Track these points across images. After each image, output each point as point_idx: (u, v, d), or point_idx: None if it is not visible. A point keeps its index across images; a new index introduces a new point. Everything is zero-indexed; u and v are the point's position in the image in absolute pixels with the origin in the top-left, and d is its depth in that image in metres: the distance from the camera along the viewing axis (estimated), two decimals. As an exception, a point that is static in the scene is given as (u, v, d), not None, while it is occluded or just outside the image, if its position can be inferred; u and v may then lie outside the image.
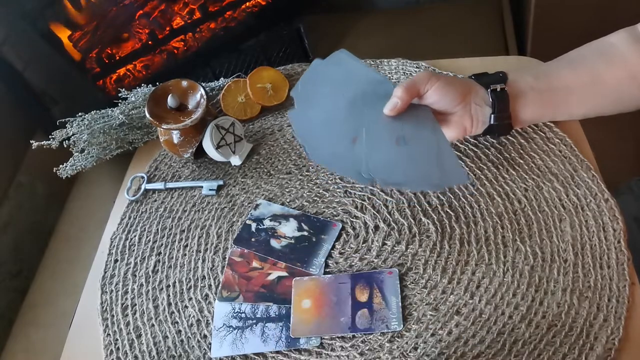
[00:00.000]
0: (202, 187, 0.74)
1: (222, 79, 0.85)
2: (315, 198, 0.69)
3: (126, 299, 0.65)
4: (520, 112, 0.63)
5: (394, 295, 0.58)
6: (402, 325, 0.56)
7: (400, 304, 0.58)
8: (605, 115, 0.66)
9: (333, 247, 0.64)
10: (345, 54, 0.66)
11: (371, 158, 0.59)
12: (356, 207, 0.67)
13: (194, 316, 0.62)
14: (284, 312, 0.59)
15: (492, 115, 0.63)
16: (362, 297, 0.59)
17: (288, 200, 0.70)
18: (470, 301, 0.57)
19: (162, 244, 0.69)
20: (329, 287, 0.60)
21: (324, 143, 0.61)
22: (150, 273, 0.66)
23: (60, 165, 0.77)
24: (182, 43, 1.27)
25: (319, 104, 0.64)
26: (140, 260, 0.68)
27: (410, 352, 0.55)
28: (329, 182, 0.71)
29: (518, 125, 0.65)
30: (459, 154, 0.69)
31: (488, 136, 0.70)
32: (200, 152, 0.74)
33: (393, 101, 0.60)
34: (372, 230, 0.65)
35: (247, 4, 1.30)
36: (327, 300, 0.59)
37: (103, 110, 0.79)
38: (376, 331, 0.56)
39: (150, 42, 1.24)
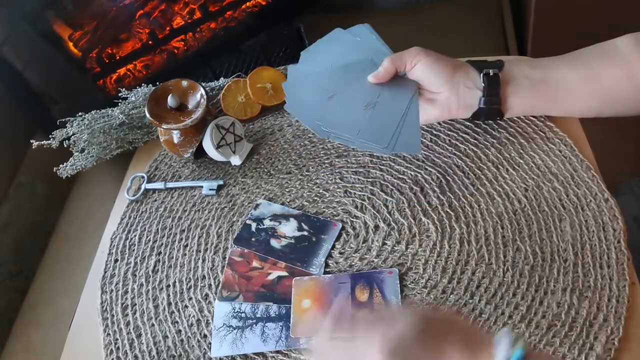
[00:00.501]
0: (202, 186, 0.74)
1: (222, 78, 0.85)
2: (315, 198, 0.69)
3: (126, 298, 0.65)
4: (510, 98, 0.63)
5: (394, 295, 0.58)
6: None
7: (400, 304, 0.58)
8: (603, 116, 0.65)
9: (333, 247, 0.64)
10: (367, 28, 0.69)
11: (335, 114, 0.62)
12: (356, 207, 0.67)
13: (194, 316, 0.62)
14: (284, 311, 0.59)
15: (482, 99, 0.63)
16: (362, 297, 0.59)
17: (288, 200, 0.70)
18: (470, 301, 0.57)
19: (162, 244, 0.69)
20: (329, 287, 0.60)
21: (303, 94, 0.64)
22: (150, 273, 0.66)
23: (60, 165, 0.77)
24: (182, 43, 1.27)
25: (317, 61, 0.67)
26: (140, 260, 0.68)
27: (410, 351, 0.55)
28: (329, 182, 0.71)
29: (507, 113, 0.65)
30: (458, 154, 0.69)
31: (487, 136, 0.70)
32: (200, 152, 0.74)
33: (378, 70, 0.63)
34: (372, 230, 0.65)
35: (247, 3, 1.30)
36: (327, 300, 0.59)
37: (103, 110, 0.79)
38: (376, 331, 0.56)
39: (150, 42, 1.24)
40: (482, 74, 0.63)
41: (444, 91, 0.63)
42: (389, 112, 0.62)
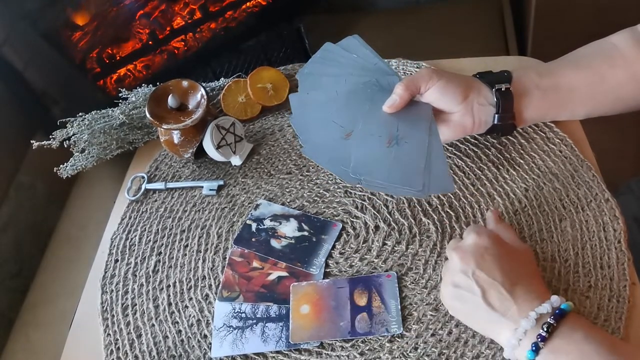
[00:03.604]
0: (202, 187, 0.74)
1: (222, 79, 0.85)
2: (316, 198, 0.69)
3: (126, 298, 0.65)
4: (525, 111, 0.63)
5: (393, 298, 0.58)
6: (401, 329, 0.56)
7: (399, 307, 0.57)
8: (605, 115, 0.66)
9: (333, 247, 0.64)
10: (357, 40, 0.66)
11: (359, 156, 0.58)
12: (356, 207, 0.67)
13: (194, 316, 0.62)
14: (284, 312, 0.59)
15: (496, 115, 0.62)
16: (361, 301, 0.59)
17: (288, 200, 0.70)
18: (471, 301, 0.57)
19: (162, 244, 0.69)
20: (328, 291, 0.60)
21: (318, 134, 0.60)
22: (150, 273, 0.66)
23: (61, 165, 0.77)
24: (183, 43, 1.27)
25: (320, 86, 0.63)
26: (140, 260, 0.68)
27: (410, 352, 0.55)
28: (329, 182, 0.71)
29: (521, 125, 0.65)
30: (459, 154, 0.69)
31: (489, 136, 0.70)
32: (200, 152, 0.74)
33: (392, 98, 0.60)
34: (372, 230, 0.65)
35: (248, 4, 1.30)
36: (325, 305, 0.59)
37: (103, 110, 0.79)
38: (376, 335, 0.56)
39: (150, 42, 1.24)
40: (494, 90, 0.62)
41: (458, 111, 0.61)
42: (413, 147, 0.59)
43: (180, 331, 0.61)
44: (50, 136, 0.76)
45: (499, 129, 0.64)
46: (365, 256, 0.63)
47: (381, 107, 0.61)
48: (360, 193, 0.68)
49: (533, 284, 0.50)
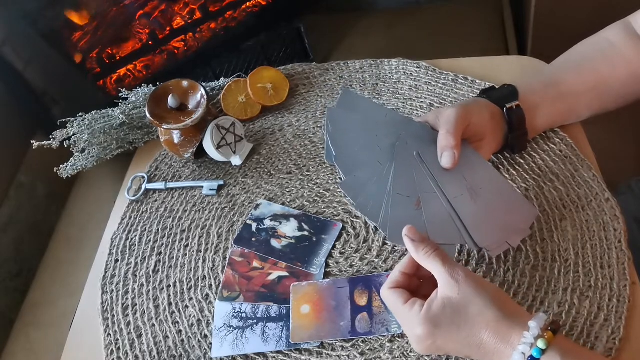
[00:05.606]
0: (202, 187, 0.74)
1: (222, 79, 0.85)
2: (316, 198, 0.69)
3: (127, 298, 0.65)
4: (536, 124, 0.64)
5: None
6: (402, 329, 0.56)
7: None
8: (606, 113, 0.66)
9: (334, 247, 0.64)
10: (352, 95, 0.65)
11: (472, 226, 0.55)
12: (357, 207, 0.67)
13: (194, 316, 0.62)
14: (284, 312, 0.59)
15: (511, 134, 0.63)
16: (361, 301, 0.59)
17: (289, 200, 0.70)
18: (471, 301, 0.57)
19: (162, 244, 0.69)
20: (328, 291, 0.60)
21: (392, 214, 0.57)
22: (150, 273, 0.66)
23: (61, 165, 0.77)
24: (183, 43, 1.27)
25: (358, 163, 0.60)
26: (140, 260, 0.68)
27: (411, 352, 0.55)
28: (330, 182, 0.71)
29: (532, 136, 0.66)
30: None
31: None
32: (200, 152, 0.74)
33: (449, 154, 0.57)
34: (372, 230, 0.65)
35: (248, 4, 1.30)
36: (326, 305, 0.59)
37: (104, 110, 0.79)
38: (377, 335, 0.56)
39: (150, 42, 1.24)
40: (504, 109, 0.62)
41: (487, 137, 0.62)
42: (489, 190, 0.57)
43: (180, 331, 0.61)
44: (50, 136, 0.76)
45: (514, 146, 0.65)
46: (366, 256, 0.63)
47: (433, 164, 0.58)
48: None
49: (495, 329, 0.44)
